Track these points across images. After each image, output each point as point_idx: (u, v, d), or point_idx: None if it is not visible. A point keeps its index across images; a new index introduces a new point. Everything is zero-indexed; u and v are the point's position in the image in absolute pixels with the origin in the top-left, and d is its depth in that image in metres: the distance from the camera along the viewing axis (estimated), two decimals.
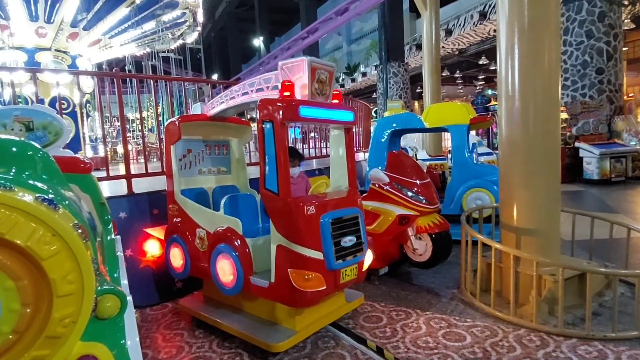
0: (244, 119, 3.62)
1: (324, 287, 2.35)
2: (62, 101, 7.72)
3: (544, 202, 3.10)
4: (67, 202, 1.55)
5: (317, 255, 2.33)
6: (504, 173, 3.29)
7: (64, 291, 1.31)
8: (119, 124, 14.96)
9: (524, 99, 3.08)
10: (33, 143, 1.75)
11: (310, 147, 8.13)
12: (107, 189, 3.92)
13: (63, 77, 7.20)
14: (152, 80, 4.89)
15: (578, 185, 9.50)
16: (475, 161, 5.25)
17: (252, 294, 2.59)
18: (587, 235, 3.60)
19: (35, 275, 1.25)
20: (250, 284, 2.52)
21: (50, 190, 1.55)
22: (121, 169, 4.11)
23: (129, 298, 1.75)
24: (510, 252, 2.92)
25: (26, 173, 1.60)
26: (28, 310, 1.24)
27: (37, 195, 1.35)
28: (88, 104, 9.08)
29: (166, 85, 12.94)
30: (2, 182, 1.31)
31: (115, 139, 12.46)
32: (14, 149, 1.68)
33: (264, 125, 2.31)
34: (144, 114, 14.71)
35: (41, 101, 7.36)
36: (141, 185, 3.88)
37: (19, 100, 6.87)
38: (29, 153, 1.69)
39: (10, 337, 1.22)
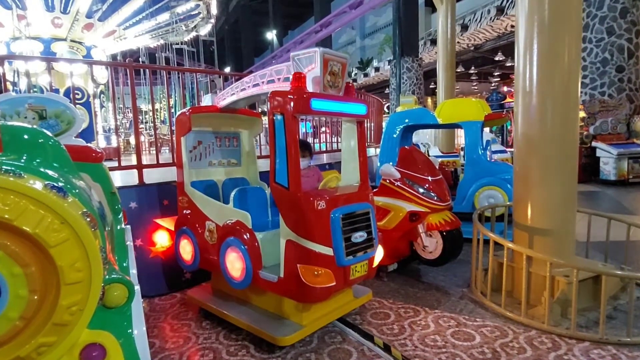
0: (255, 111, 3.59)
1: (334, 283, 2.32)
2: (77, 91, 7.81)
3: (560, 202, 3.03)
4: (76, 191, 1.55)
5: (327, 251, 2.30)
6: (519, 171, 3.21)
7: (71, 279, 1.31)
8: (132, 115, 15.08)
9: (542, 95, 2.99)
10: (44, 131, 1.76)
11: (321, 141, 8.10)
12: (119, 179, 3.95)
13: (78, 68, 7.27)
14: (164, 72, 4.90)
15: (594, 186, 9.29)
16: (488, 159, 5.15)
17: (260, 288, 2.58)
18: (603, 237, 3.50)
19: (43, 262, 1.25)
20: (259, 278, 2.51)
21: (60, 178, 1.55)
22: (134, 160, 4.13)
23: (137, 287, 1.75)
24: (523, 252, 2.86)
25: (37, 160, 1.60)
26: (35, 297, 1.24)
27: (47, 182, 1.35)
28: (102, 95, 9.16)
29: (179, 77, 13.01)
30: (12, 169, 1.31)
31: (128, 130, 12.58)
32: (26, 136, 1.69)
33: (274, 118, 2.28)
34: (157, 105, 14.82)
35: (56, 91, 7.43)
36: (153, 176, 3.90)
37: (35, 89, 6.96)
38: (40, 141, 1.69)
39: (17, 323, 1.22)
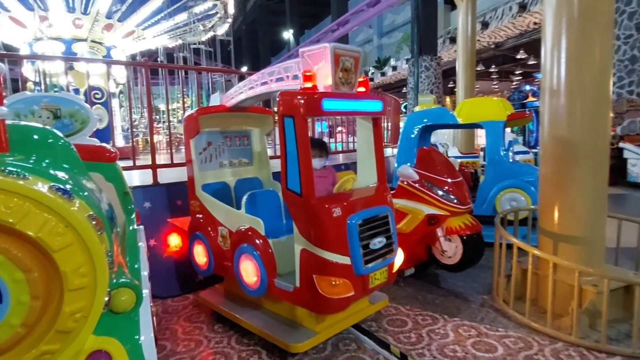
0: (268, 109, 3.51)
1: (352, 293, 2.21)
2: (96, 91, 7.94)
3: (589, 206, 2.86)
4: (84, 193, 1.50)
5: (344, 260, 2.19)
6: (545, 174, 3.06)
7: (75, 285, 1.26)
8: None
9: (571, 94, 2.84)
10: (54, 131, 1.72)
11: (337, 141, 8.00)
12: (137, 178, 3.96)
13: (97, 68, 7.36)
14: (181, 71, 4.89)
15: (621, 188, 8.92)
16: (511, 160, 4.97)
17: (276, 297, 2.50)
18: (633, 243, 3.30)
19: (46, 267, 1.21)
20: (274, 287, 2.42)
21: (68, 180, 1.51)
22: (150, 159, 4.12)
23: (146, 292, 1.70)
24: (550, 260, 2.70)
25: (46, 161, 1.56)
26: (38, 303, 1.20)
27: (52, 184, 1.30)
28: (121, 95, 9.29)
29: (195, 76, 13.11)
30: (17, 170, 1.27)
31: (145, 129, 12.73)
32: (35, 136, 1.66)
33: (284, 121, 2.18)
34: (175, 105, 14.96)
35: (76, 91, 7.57)
36: (169, 175, 3.89)
37: (56, 89, 7.08)
38: (49, 141, 1.65)
39: (19, 330, 1.18)
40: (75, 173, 1.63)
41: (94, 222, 1.33)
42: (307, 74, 2.12)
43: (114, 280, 1.58)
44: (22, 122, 1.69)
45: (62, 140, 1.69)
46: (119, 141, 8.72)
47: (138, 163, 3.85)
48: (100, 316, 1.48)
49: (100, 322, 1.50)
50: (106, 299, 1.38)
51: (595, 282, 2.73)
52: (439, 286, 3.57)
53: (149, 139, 11.08)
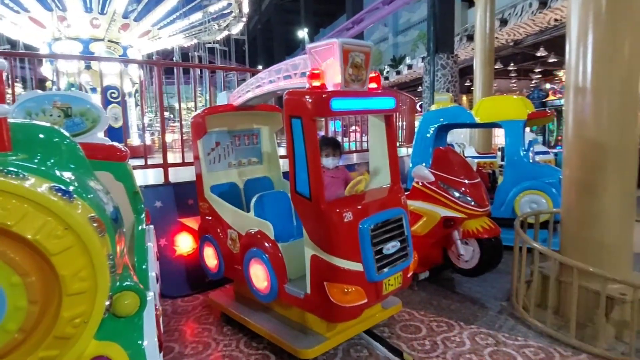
0: (277, 106, 3.44)
1: (365, 301, 2.12)
2: (113, 90, 8.03)
3: (616, 210, 2.71)
4: (87, 193, 1.46)
5: (357, 266, 2.10)
6: (570, 175, 2.91)
7: (74, 289, 1.21)
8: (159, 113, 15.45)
9: (597, 92, 2.70)
10: (61, 130, 1.69)
11: (351, 140, 7.90)
12: (150, 177, 3.96)
13: (113, 67, 7.44)
14: (194, 70, 4.88)
15: None
16: (531, 160, 4.79)
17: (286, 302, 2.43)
18: None
19: (44, 271, 1.16)
20: (284, 292, 2.35)
21: (71, 180, 1.47)
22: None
23: (150, 295, 1.65)
24: (574, 266, 2.57)
25: (50, 161, 1.53)
26: (36, 309, 1.16)
27: (53, 185, 1.26)
28: (137, 94, 9.38)
29: (210, 75, 13.16)
30: (16, 170, 1.23)
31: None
32: (41, 136, 1.63)
33: (291, 122, 2.09)
34: (191, 104, 15.08)
35: (93, 90, 7.67)
36: (182, 175, 3.87)
37: (74, 88, 7.18)
38: (54, 140, 1.62)
39: (16, 336, 1.14)
40: (80, 173, 1.59)
41: (95, 225, 1.28)
42: (315, 72, 2.02)
43: (117, 284, 1.54)
44: (27, 121, 1.66)
45: (67, 140, 1.66)
46: (135, 140, 8.80)
47: (153, 162, 3.83)
48: (101, 320, 1.43)
49: (102, 326, 1.45)
50: (107, 303, 1.33)
51: (622, 290, 2.58)
52: (455, 291, 3.45)
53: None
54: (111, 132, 5.74)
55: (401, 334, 2.72)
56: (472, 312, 3.03)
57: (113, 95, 8.07)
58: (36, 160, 1.46)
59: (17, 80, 10.60)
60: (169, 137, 9.78)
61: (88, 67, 7.49)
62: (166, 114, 15.33)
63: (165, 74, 4.04)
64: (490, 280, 3.57)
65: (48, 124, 1.69)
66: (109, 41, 8.17)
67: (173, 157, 3.98)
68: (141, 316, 1.55)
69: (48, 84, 7.51)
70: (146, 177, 4.03)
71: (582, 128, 2.79)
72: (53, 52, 7.67)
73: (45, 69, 8.03)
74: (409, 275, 2.44)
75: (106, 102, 6.39)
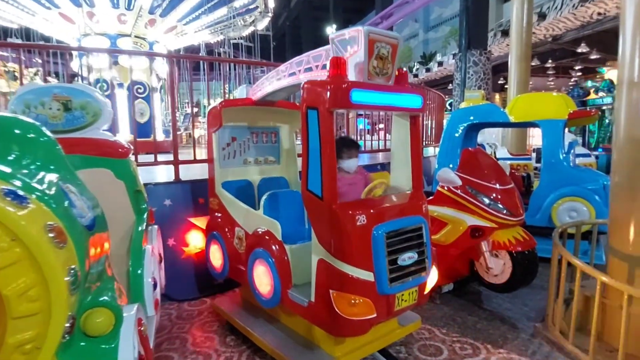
0: (296, 103, 3.25)
1: (374, 315, 1.91)
2: (139, 85, 8.10)
3: None
4: (54, 198, 1.29)
5: (367, 276, 1.88)
6: (619, 182, 2.54)
7: (21, 311, 1.03)
8: (187, 109, 15.63)
9: None
10: (39, 125, 1.53)
11: (378, 138, 7.59)
12: (164, 175, 3.85)
13: (140, 62, 7.46)
14: (220, 65, 4.73)
15: None
16: (571, 164, 4.37)
17: (289, 310, 2.24)
18: None
19: None
20: (287, 298, 2.16)
21: (36, 181, 1.30)
22: (188, 154, 3.99)
23: (131, 311, 1.47)
24: (624, 290, 2.21)
25: (21, 159, 1.36)
26: None
27: (3, 187, 1.09)
28: (162, 90, 9.44)
29: (236, 71, 13.15)
30: None
31: (182, 124, 13.03)
32: (17, 131, 1.47)
33: (307, 114, 1.90)
34: (212, 101, 15.17)
35: (120, 85, 7.76)
36: (194, 172, 3.73)
37: (100, 84, 7.26)
38: (29, 136, 1.45)
39: None
40: (53, 173, 1.42)
41: (52, 235, 1.10)
42: (337, 60, 1.82)
43: (89, 298, 1.37)
44: (2, 114, 1.51)
45: (45, 137, 1.49)
46: (159, 136, 8.85)
47: (180, 158, 3.69)
48: (69, 341, 1.26)
49: (72, 348, 1.29)
50: (67, 325, 1.16)
51: None
52: (482, 307, 3.13)
53: (191, 133, 11.25)
54: (138, 127, 5.72)
55: (420, 355, 2.46)
56: (501, 334, 2.72)
57: (139, 90, 8.14)
58: (1, 158, 1.31)
59: (51, 75, 10.92)
60: (196, 133, 9.77)
61: (115, 63, 7.56)
62: (187, 110, 15.52)
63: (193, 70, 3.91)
64: (522, 296, 3.23)
65: (26, 118, 1.53)
66: (136, 37, 8.23)
67: (199, 152, 3.86)
68: (117, 335, 1.37)
69: (77, 79, 7.64)
70: (155, 174, 3.93)
71: (636, 128, 2.42)
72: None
73: (75, 65, 8.18)
74: (425, 292, 2.18)
75: (133, 98, 6.43)
